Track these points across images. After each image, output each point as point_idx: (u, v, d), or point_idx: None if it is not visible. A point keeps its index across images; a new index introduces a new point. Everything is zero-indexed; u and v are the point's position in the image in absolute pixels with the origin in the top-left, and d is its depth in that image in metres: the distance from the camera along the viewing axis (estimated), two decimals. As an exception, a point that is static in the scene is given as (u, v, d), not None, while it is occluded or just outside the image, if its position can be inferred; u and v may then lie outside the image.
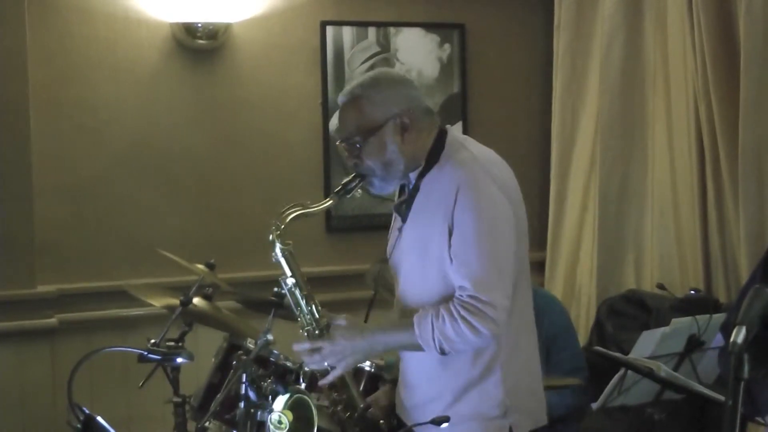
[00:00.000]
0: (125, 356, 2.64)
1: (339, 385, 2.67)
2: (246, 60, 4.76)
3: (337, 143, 2.58)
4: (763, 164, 4.09)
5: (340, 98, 2.54)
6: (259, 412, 2.56)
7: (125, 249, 4.55)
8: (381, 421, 2.70)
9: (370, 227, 4.88)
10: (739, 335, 1.81)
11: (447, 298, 2.41)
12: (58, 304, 4.37)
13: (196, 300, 3.39)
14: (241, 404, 2.59)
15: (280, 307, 3.15)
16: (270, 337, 2.69)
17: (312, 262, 4.47)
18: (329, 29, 4.90)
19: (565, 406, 3.42)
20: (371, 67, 4.94)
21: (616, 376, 3.37)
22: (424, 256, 2.46)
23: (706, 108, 4.32)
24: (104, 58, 4.53)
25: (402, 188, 2.62)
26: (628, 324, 4.37)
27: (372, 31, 4.99)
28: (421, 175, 2.51)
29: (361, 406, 2.69)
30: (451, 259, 2.40)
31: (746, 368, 1.80)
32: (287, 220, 2.51)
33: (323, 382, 2.54)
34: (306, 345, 2.50)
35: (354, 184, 2.52)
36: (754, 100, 4.07)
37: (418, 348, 2.42)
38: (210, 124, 4.72)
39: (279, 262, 2.54)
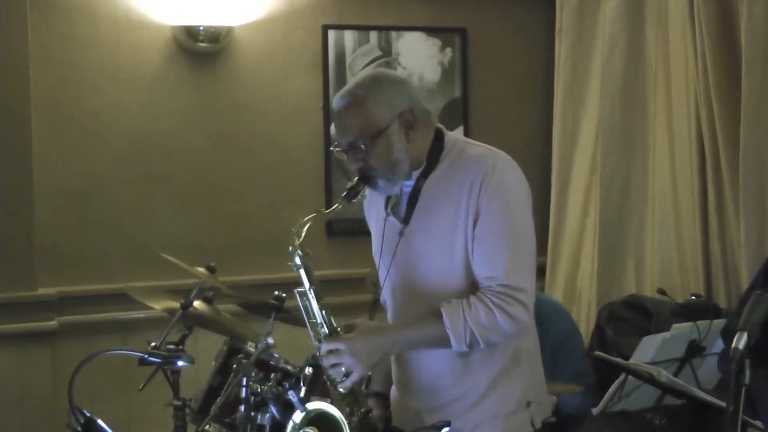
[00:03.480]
0: (126, 359, 2.64)
1: (355, 394, 2.48)
2: (247, 63, 4.76)
3: (335, 149, 2.47)
4: (764, 169, 4.09)
5: (339, 101, 2.42)
6: (259, 416, 2.56)
7: (126, 252, 4.55)
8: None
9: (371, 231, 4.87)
10: (740, 341, 1.82)
11: (471, 291, 2.37)
12: (58, 306, 4.37)
13: (196, 303, 3.38)
14: (242, 408, 2.59)
15: (280, 311, 3.15)
16: (270, 340, 2.67)
17: (312, 266, 4.45)
18: (331, 33, 4.90)
19: (576, 405, 3.42)
20: (372, 71, 4.95)
21: (617, 382, 3.37)
22: (447, 251, 2.40)
23: (708, 113, 4.32)
24: (106, 61, 4.53)
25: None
26: (629, 329, 4.36)
27: (374, 35, 5.00)
28: (424, 175, 2.46)
29: (362, 410, 2.67)
30: (471, 249, 2.36)
31: (747, 374, 1.80)
32: (304, 229, 2.44)
33: (343, 386, 2.40)
34: (328, 346, 2.38)
35: (360, 187, 2.45)
36: (756, 105, 4.06)
37: (444, 342, 2.34)
38: (211, 127, 4.72)
39: (299, 273, 2.48)
